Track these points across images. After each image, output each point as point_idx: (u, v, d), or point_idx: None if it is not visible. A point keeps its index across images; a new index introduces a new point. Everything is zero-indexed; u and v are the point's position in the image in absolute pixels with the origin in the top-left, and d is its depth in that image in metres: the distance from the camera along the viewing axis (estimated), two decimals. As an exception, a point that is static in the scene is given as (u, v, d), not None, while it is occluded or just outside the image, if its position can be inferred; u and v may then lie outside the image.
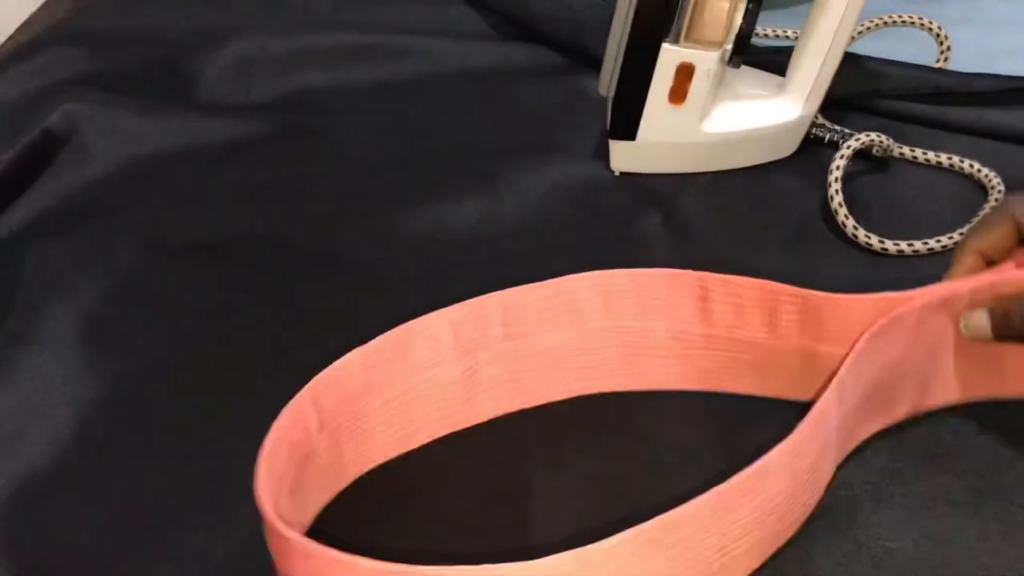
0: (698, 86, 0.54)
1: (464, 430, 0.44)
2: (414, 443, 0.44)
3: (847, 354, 0.40)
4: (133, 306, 0.51)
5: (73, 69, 0.68)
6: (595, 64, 0.61)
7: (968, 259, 0.42)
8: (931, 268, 0.51)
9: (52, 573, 0.40)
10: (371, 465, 0.43)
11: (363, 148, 0.63)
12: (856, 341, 0.40)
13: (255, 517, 0.40)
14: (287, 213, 0.57)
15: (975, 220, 0.44)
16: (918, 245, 0.52)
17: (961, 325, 0.41)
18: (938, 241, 0.52)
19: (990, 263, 0.42)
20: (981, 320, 0.40)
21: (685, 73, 0.54)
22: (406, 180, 0.60)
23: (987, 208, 0.53)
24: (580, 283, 0.44)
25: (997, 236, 0.41)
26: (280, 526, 0.34)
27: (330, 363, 0.47)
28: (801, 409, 0.38)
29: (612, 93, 0.55)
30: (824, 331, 0.42)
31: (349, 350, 0.48)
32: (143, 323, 0.50)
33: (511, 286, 0.44)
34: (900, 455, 0.41)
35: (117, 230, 0.56)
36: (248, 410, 0.45)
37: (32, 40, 0.72)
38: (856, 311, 0.41)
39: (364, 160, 0.62)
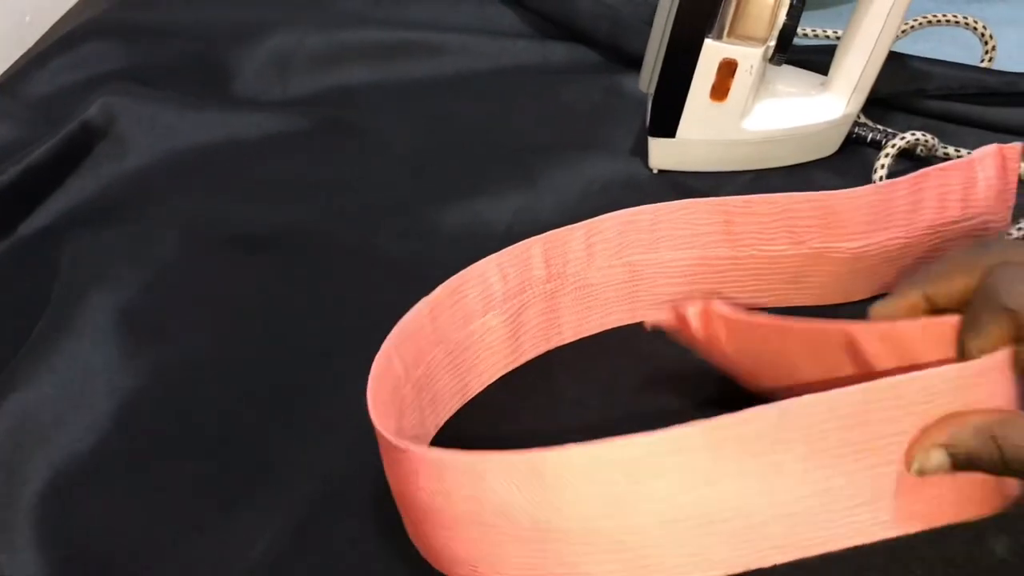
0: (740, 83, 0.53)
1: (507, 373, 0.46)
2: (470, 393, 0.45)
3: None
4: (172, 298, 0.51)
5: (112, 62, 0.69)
6: (633, 62, 0.61)
7: (912, 296, 0.36)
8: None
9: (89, 562, 0.40)
10: (442, 421, 0.44)
11: (401, 144, 0.62)
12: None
13: (295, 509, 0.41)
14: (325, 207, 0.57)
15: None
16: (964, 246, 0.51)
17: (913, 468, 0.31)
18: (984, 242, 0.51)
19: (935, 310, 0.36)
20: (939, 459, 0.31)
21: (727, 69, 0.53)
22: (444, 176, 0.60)
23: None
24: (607, 223, 0.46)
25: (957, 286, 0.35)
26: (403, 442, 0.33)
27: (369, 357, 0.47)
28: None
29: (652, 89, 0.55)
30: (839, 229, 0.45)
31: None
32: (182, 315, 0.50)
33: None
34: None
35: (155, 222, 0.56)
36: (287, 402, 0.46)
37: (71, 33, 0.72)
38: (863, 202, 0.45)
39: (402, 155, 0.62)
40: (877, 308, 0.37)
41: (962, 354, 0.33)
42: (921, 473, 0.31)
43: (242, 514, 0.41)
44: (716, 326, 0.40)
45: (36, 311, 0.50)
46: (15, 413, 0.44)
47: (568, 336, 0.48)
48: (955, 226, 0.46)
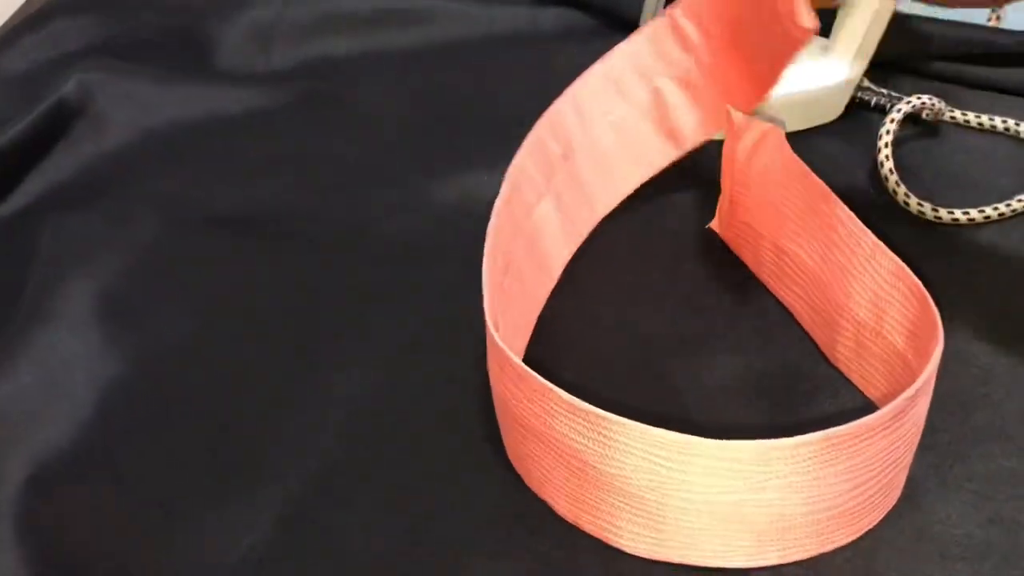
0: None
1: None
2: (552, 282, 0.47)
3: None
4: (153, 280, 0.50)
5: (84, 38, 0.66)
6: (628, 27, 0.59)
7: None
8: (988, 236, 0.49)
9: (71, 555, 0.38)
10: (534, 316, 0.46)
11: (388, 117, 0.60)
12: None
13: (281, 501, 0.39)
14: (311, 184, 0.55)
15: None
16: (974, 213, 0.49)
17: None
18: (995, 209, 0.49)
19: None
20: None
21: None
22: (433, 149, 0.58)
23: None
24: (587, 79, 0.47)
25: None
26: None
27: (360, 338, 0.46)
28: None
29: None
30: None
31: (379, 324, 0.46)
32: (164, 298, 0.49)
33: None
34: (963, 435, 0.39)
35: (136, 202, 0.54)
36: (273, 389, 0.44)
37: (43, 9, 0.70)
38: None
39: (389, 129, 0.60)
40: None
41: None
42: None
43: (229, 507, 0.39)
44: (764, 148, 0.44)
45: (12, 297, 0.48)
46: (-8, 405, 0.43)
47: (600, 211, 0.50)
48: None
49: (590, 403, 0.33)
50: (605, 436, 0.32)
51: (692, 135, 0.50)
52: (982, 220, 0.49)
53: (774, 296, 0.46)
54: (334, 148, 0.58)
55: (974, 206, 0.50)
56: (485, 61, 0.64)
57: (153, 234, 0.52)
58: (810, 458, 0.32)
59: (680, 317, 0.46)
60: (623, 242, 0.50)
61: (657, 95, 0.49)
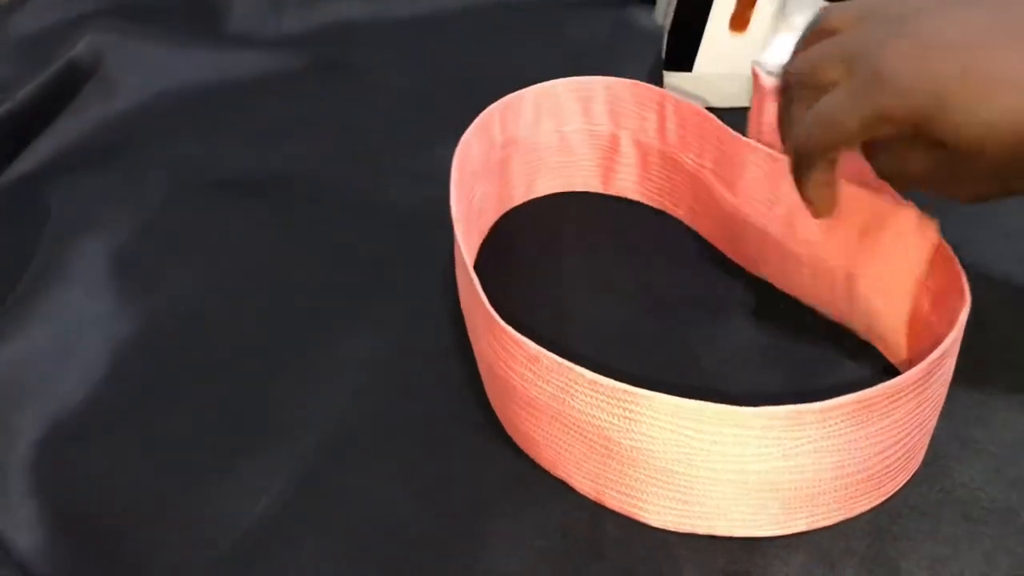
0: (762, 12, 0.51)
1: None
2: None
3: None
4: (165, 244, 0.49)
5: (94, 0, 0.66)
6: (643, -4, 0.58)
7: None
8: (1009, 205, 0.48)
9: (86, 519, 0.38)
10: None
11: (400, 83, 0.60)
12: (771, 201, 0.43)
13: (296, 462, 0.39)
14: (322, 149, 0.55)
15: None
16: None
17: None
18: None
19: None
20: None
21: (748, -3, 0.51)
22: (445, 116, 0.56)
23: None
24: (559, 87, 0.48)
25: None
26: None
27: (373, 302, 0.45)
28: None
29: (669, 20, 0.52)
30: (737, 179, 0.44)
31: (392, 288, 0.46)
32: (176, 261, 0.48)
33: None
34: (985, 400, 0.39)
35: (146, 165, 0.54)
36: (286, 350, 0.43)
37: (53, -30, 0.69)
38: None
39: (401, 95, 0.59)
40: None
41: None
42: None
43: (243, 467, 0.39)
44: None
45: (24, 259, 0.48)
46: (6, 365, 0.42)
47: (518, 199, 0.50)
48: None
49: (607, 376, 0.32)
50: (631, 411, 0.32)
51: (620, 187, 0.51)
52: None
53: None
54: (345, 113, 0.57)
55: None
56: (499, 27, 0.64)
57: (164, 197, 0.52)
58: (842, 421, 0.31)
59: (694, 284, 0.45)
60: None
61: (613, 139, 0.49)
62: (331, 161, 0.54)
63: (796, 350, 0.42)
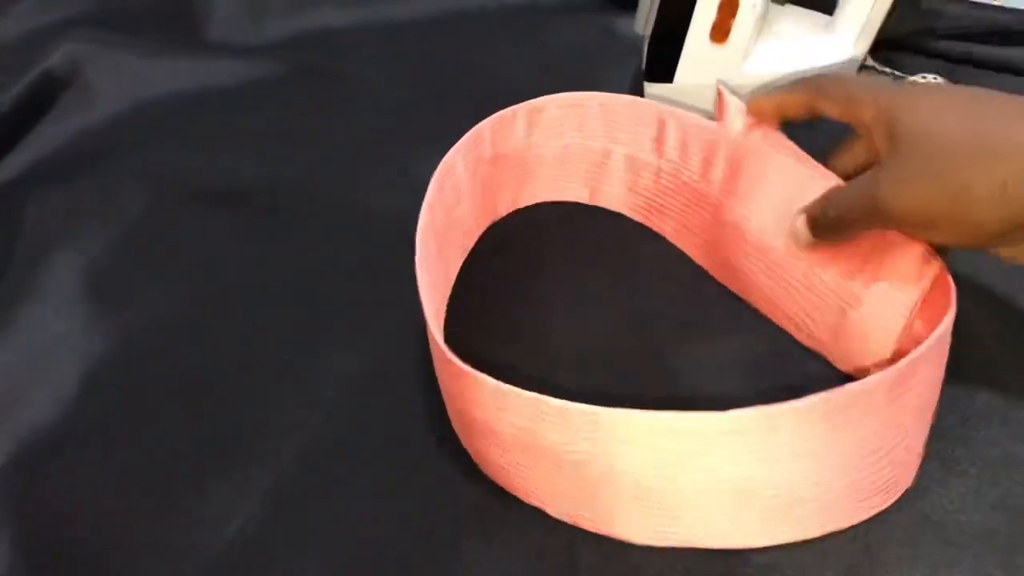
0: (743, 23, 0.50)
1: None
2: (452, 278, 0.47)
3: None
4: (140, 257, 0.49)
5: (74, 8, 0.65)
6: (628, 2, 0.57)
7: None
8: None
9: (57, 537, 0.38)
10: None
11: (382, 90, 0.59)
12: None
13: (270, 481, 0.38)
14: (302, 159, 0.54)
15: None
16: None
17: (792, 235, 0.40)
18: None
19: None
20: (798, 224, 0.39)
21: (729, 8, 0.50)
22: (428, 124, 0.56)
23: None
24: (552, 102, 0.46)
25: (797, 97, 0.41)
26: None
27: (352, 315, 0.45)
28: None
29: (649, 31, 0.51)
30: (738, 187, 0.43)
31: (372, 301, 0.45)
32: (151, 275, 0.48)
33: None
34: (968, 419, 0.39)
35: (123, 177, 0.53)
36: (263, 366, 0.43)
37: (31, -23, 0.68)
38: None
39: (383, 103, 0.58)
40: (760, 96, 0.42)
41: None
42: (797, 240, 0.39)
43: (218, 486, 0.38)
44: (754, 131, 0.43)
45: (-2, 272, 0.47)
46: (-24, 382, 0.42)
47: (501, 211, 0.50)
48: None
49: (573, 399, 0.31)
50: (601, 434, 0.31)
51: (607, 201, 0.50)
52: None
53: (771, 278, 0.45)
54: (327, 122, 0.57)
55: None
56: (481, 35, 0.63)
57: (141, 208, 0.51)
58: (816, 423, 0.31)
59: (672, 304, 0.45)
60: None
61: (605, 153, 0.49)
62: (311, 172, 0.53)
63: (777, 367, 0.41)
